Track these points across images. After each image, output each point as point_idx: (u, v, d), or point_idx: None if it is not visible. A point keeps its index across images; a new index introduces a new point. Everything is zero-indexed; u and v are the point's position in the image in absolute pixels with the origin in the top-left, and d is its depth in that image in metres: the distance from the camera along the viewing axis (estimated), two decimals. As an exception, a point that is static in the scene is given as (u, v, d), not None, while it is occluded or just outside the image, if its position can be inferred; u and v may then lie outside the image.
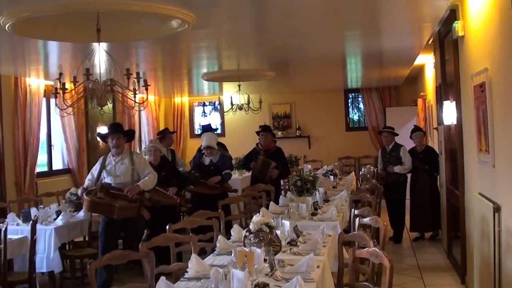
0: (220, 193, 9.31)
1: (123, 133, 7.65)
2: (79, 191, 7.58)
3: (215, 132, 11.66)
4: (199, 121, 18.47)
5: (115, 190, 7.34)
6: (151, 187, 7.71)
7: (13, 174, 10.54)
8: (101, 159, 7.71)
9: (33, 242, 6.98)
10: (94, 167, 7.75)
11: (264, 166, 10.25)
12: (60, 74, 6.04)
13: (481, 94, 5.67)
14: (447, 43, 8.05)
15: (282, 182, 12.00)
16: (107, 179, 7.49)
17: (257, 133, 10.82)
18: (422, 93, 14.08)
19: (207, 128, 11.12)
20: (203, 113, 18.87)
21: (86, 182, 7.65)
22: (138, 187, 7.38)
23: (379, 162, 11.11)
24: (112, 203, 7.16)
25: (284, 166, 10.69)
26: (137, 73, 6.02)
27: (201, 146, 9.94)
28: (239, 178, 12.95)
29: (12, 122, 10.53)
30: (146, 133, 16.37)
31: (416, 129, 10.98)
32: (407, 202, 10.79)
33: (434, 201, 10.40)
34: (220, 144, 11.07)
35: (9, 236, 6.70)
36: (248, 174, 11.66)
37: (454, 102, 7.60)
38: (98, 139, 11.14)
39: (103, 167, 7.58)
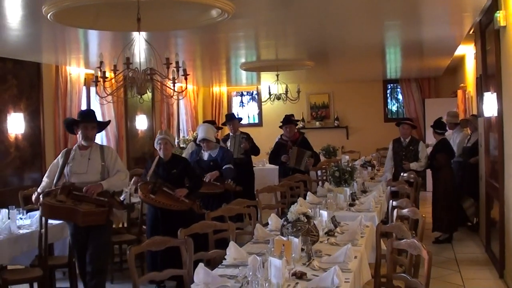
0: (222, 192, 8.51)
1: (97, 122, 6.69)
2: (34, 197, 6.28)
3: (240, 122, 11.64)
4: (237, 110, 18.48)
5: (80, 191, 6.14)
6: (119, 188, 6.76)
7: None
8: (62, 153, 6.56)
9: (73, 227, 7.07)
10: (54, 163, 6.62)
11: (300, 155, 10.25)
12: (101, 62, 6.08)
13: (524, 86, 5.61)
14: (488, 34, 7.94)
15: (319, 172, 12.04)
16: (72, 178, 6.32)
17: (281, 127, 10.74)
18: (462, 84, 13.89)
19: (230, 116, 11.42)
20: (241, 103, 18.87)
21: (43, 183, 6.43)
22: (100, 186, 6.22)
23: (389, 157, 10.21)
24: (75, 207, 6.02)
25: (314, 154, 10.73)
26: (177, 62, 6.03)
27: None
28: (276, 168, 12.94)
29: (53, 110, 10.68)
30: (184, 122, 16.47)
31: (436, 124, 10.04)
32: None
33: (448, 200, 9.72)
34: (245, 134, 11.16)
35: (50, 221, 6.80)
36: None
37: (495, 94, 7.50)
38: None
39: (66, 162, 6.41)
